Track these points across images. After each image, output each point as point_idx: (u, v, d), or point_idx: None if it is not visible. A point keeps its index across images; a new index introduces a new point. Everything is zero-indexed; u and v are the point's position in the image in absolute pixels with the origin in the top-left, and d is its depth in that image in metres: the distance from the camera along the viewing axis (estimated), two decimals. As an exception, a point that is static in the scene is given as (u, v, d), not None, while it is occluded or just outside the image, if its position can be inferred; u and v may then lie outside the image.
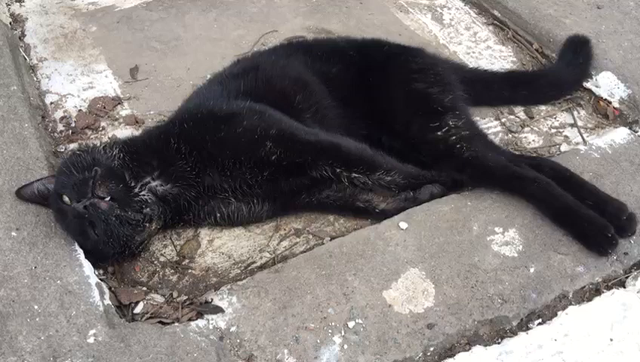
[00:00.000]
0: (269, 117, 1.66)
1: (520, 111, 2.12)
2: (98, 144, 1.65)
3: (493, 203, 1.71)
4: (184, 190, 1.61)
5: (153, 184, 1.60)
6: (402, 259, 1.57)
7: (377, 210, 1.72)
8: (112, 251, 1.55)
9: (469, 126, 1.82)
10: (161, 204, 1.61)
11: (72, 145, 1.96)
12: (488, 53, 2.39)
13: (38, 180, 1.63)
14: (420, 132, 1.80)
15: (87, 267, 1.53)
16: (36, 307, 1.42)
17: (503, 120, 2.08)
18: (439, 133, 1.77)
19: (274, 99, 1.74)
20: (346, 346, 1.41)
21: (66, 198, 1.51)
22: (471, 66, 2.24)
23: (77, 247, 1.56)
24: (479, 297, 1.50)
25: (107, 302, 1.48)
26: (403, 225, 1.65)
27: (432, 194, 1.74)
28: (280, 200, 1.70)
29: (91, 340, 1.37)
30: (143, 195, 1.56)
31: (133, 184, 1.56)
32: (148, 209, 1.57)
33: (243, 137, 1.61)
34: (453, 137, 1.76)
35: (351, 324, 1.44)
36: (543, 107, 2.13)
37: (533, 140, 2.01)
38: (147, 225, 1.59)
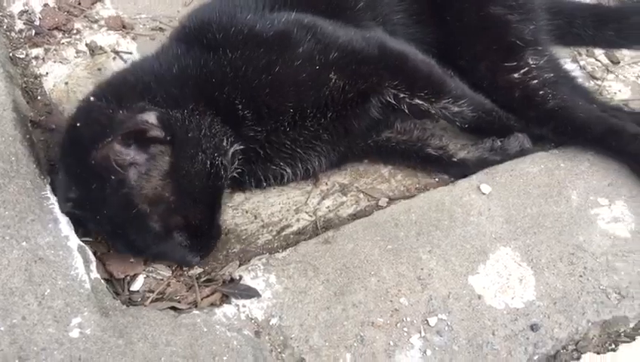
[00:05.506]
0: (322, 33, 1.21)
1: (600, 54, 1.73)
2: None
3: (590, 166, 1.35)
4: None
5: None
6: (489, 234, 1.21)
7: (455, 159, 1.34)
8: None
9: (554, 66, 1.45)
10: None
11: (35, 51, 1.46)
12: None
13: None
14: (490, 72, 1.41)
15: (65, 223, 1.09)
16: (-9, 281, 0.98)
17: (582, 63, 1.70)
18: (516, 75, 1.39)
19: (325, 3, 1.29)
20: (428, 352, 1.04)
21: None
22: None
23: (49, 193, 1.12)
24: (590, 290, 1.15)
25: (95, 275, 1.05)
26: (485, 188, 1.28)
27: (523, 149, 1.36)
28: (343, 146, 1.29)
29: (75, 334, 0.95)
30: None
31: None
32: None
33: (302, 70, 1.17)
34: (534, 81, 1.38)
35: (432, 321, 1.07)
36: (626, 52, 1.75)
37: (620, 90, 1.65)
38: None
